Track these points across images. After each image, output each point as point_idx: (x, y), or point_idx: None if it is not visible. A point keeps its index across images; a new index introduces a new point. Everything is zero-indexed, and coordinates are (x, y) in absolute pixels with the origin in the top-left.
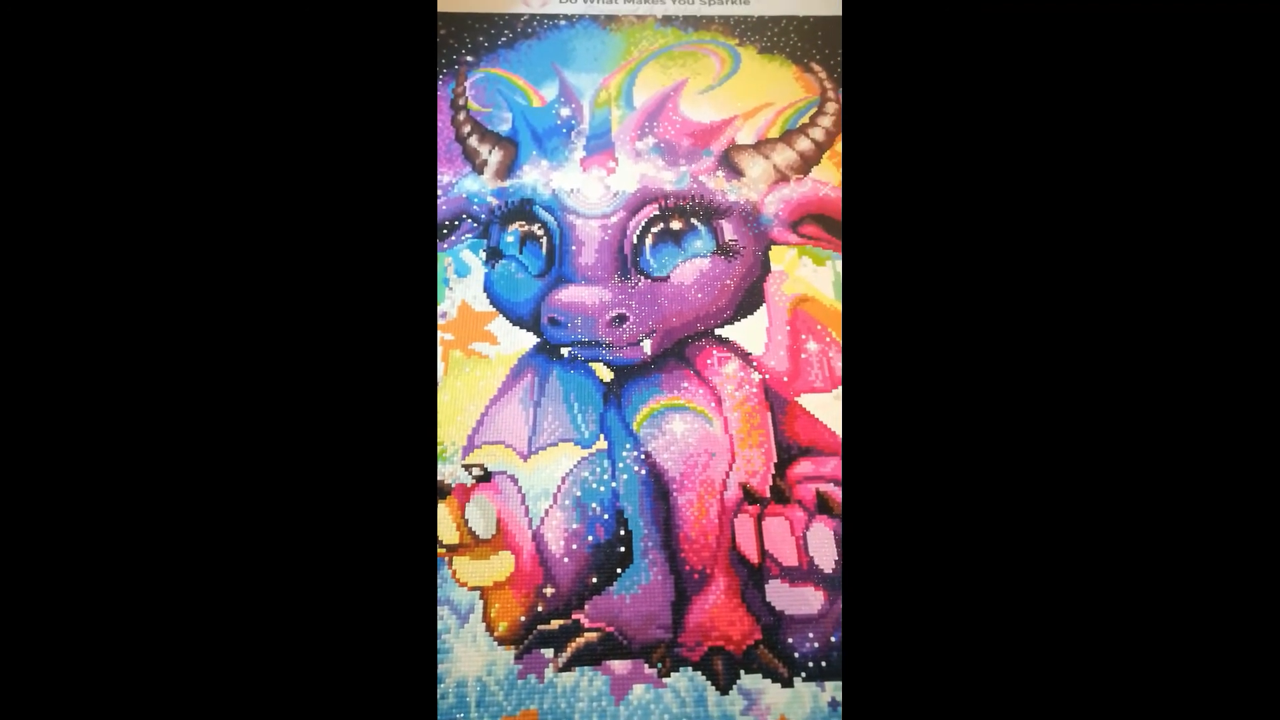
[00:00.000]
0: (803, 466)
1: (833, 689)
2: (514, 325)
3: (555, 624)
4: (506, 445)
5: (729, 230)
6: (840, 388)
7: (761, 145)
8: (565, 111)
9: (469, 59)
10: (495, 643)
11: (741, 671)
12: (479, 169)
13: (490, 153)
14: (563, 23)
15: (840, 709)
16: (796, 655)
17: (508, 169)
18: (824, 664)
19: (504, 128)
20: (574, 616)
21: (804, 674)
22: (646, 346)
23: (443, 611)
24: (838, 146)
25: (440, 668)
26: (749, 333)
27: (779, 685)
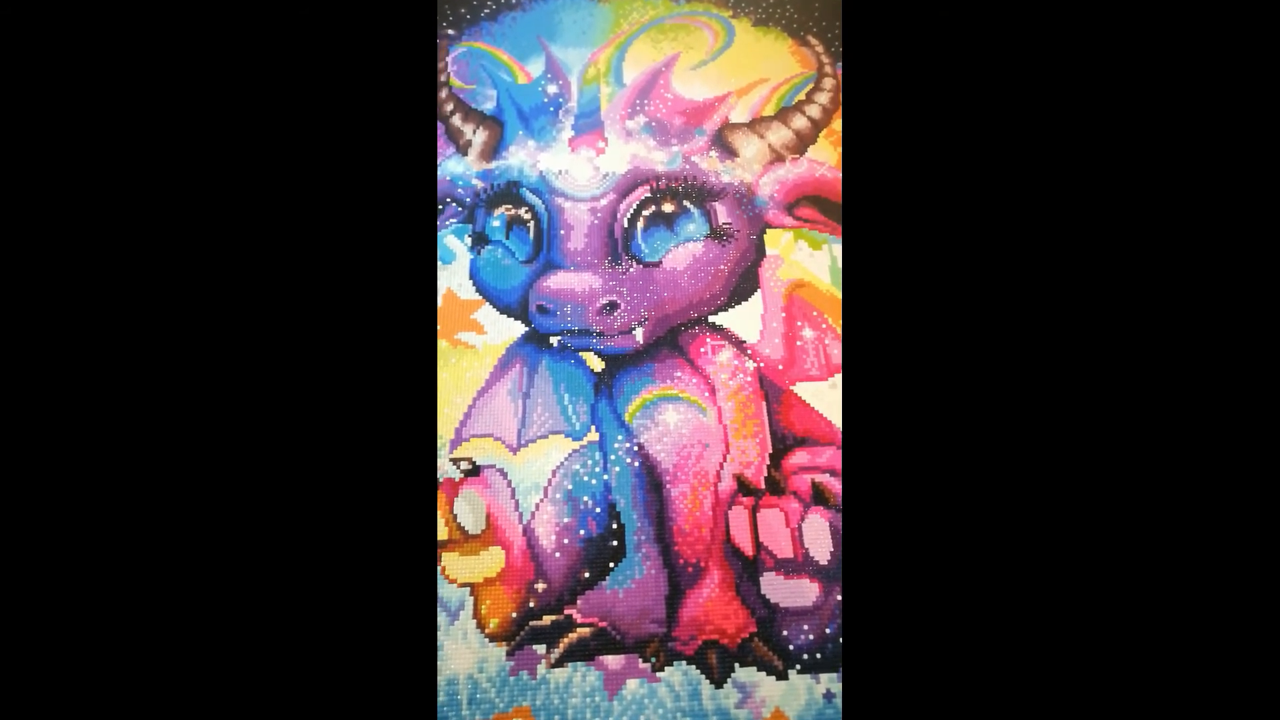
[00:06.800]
0: (798, 457)
1: (828, 681)
2: (501, 314)
3: (547, 620)
4: (495, 438)
5: (723, 213)
6: (836, 376)
7: (756, 124)
8: (552, 89)
9: (450, 32)
10: (486, 640)
11: (736, 665)
12: (463, 150)
13: (474, 132)
14: None
15: (835, 700)
16: (792, 647)
17: (493, 150)
18: (819, 656)
19: (488, 106)
20: (566, 612)
21: (799, 666)
22: (639, 335)
23: None
24: (835, 124)
25: None
26: (743, 320)
27: (774, 678)
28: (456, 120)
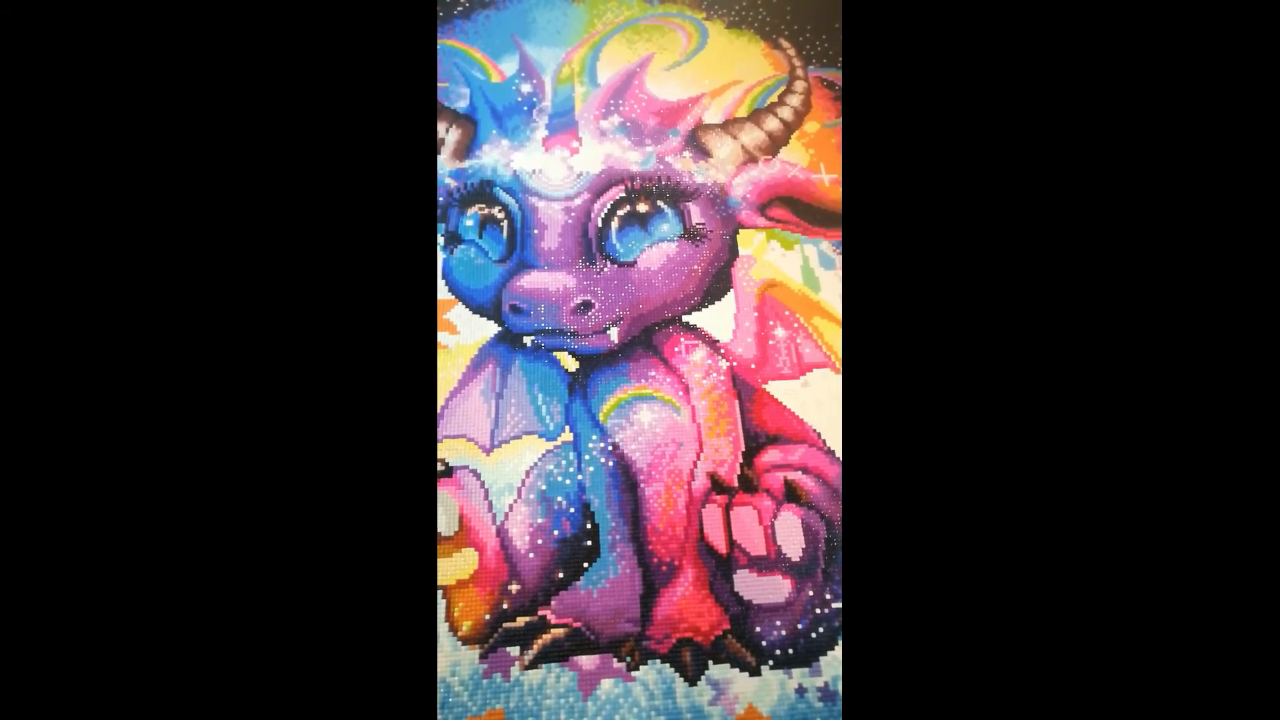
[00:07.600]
0: (770, 455)
1: (800, 676)
2: (474, 313)
3: (521, 621)
4: (468, 439)
5: (696, 213)
6: (807, 375)
7: (729, 125)
8: (526, 88)
9: None
10: (459, 643)
11: (710, 662)
12: (436, 148)
13: (447, 131)
14: None
15: (808, 695)
16: (764, 644)
17: (466, 149)
18: (792, 651)
19: (461, 104)
20: (540, 613)
21: (772, 662)
22: (613, 334)
23: None
24: (807, 127)
25: None
26: (717, 319)
27: (747, 674)
28: None
